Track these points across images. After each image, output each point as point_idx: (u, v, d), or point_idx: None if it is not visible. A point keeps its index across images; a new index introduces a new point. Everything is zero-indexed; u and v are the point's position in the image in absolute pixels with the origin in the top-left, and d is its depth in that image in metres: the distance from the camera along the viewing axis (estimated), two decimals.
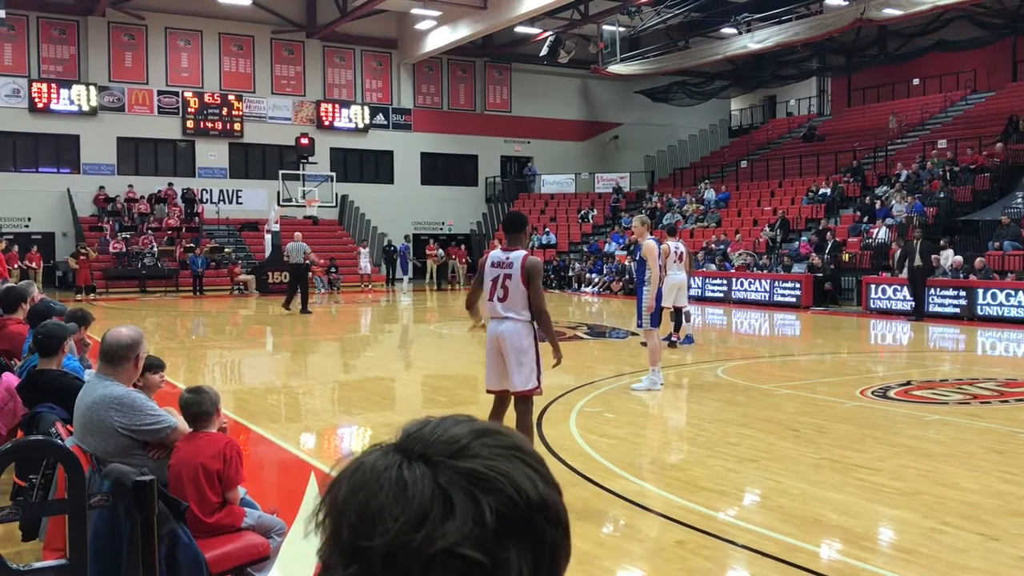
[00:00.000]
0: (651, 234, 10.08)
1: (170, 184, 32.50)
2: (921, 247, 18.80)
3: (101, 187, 31.43)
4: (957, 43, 29.27)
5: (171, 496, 3.51)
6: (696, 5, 29.97)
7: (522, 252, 5.92)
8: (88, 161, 31.72)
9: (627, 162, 39.42)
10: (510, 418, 6.00)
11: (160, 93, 32.67)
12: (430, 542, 0.78)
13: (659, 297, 9.91)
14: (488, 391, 6.21)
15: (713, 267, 26.09)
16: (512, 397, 6.01)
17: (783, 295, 22.98)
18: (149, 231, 30.56)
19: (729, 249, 26.80)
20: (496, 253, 6.03)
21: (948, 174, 25.61)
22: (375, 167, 36.83)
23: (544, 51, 32.30)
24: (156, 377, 4.78)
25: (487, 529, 0.79)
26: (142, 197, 31.84)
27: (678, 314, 14.04)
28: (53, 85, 30.86)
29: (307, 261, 21.12)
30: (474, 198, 38.32)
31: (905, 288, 19.52)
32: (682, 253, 13.58)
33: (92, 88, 31.34)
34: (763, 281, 23.77)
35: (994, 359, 14.25)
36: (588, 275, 30.29)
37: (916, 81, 35.60)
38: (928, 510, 5.51)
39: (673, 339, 14.05)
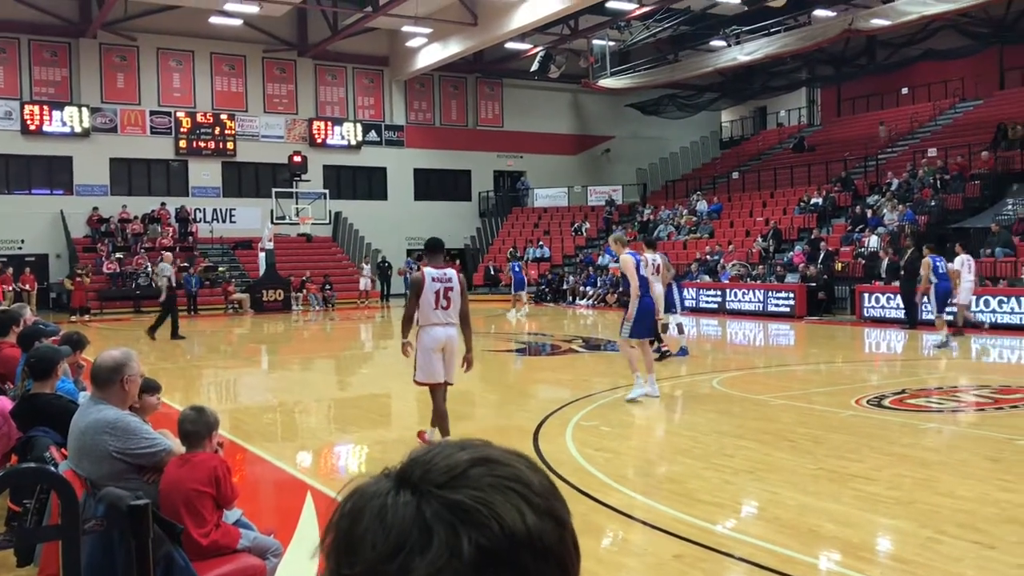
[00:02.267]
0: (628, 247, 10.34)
1: (163, 204, 32.50)
2: (910, 256, 18.86)
3: (95, 208, 31.41)
4: (945, 52, 29.46)
5: (167, 519, 3.50)
6: (685, 19, 30.16)
7: (452, 270, 7.19)
8: (81, 182, 31.71)
9: (619, 175, 39.54)
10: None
11: (152, 113, 32.71)
12: (404, 573, 0.77)
13: (648, 308, 10.00)
14: (435, 384, 7.34)
15: (707, 278, 26.14)
16: (444, 387, 7.35)
17: (777, 305, 23.02)
18: (143, 251, 30.52)
19: (722, 260, 26.87)
20: (431, 271, 7.14)
21: (939, 182, 25.73)
22: (368, 184, 36.89)
23: (535, 66, 32.45)
24: (153, 399, 4.78)
25: (463, 563, 0.76)
26: (135, 217, 31.82)
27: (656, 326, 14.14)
28: (45, 107, 30.88)
29: (172, 283, 19.71)
30: (467, 213, 38.38)
31: (898, 296, 19.57)
32: (658, 265, 13.69)
33: (84, 110, 31.36)
34: (757, 291, 23.82)
35: (988, 366, 14.28)
36: (582, 288, 30.32)
37: (905, 90, 35.82)
38: (924, 519, 5.51)
39: (664, 349, 14.10)
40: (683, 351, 14.50)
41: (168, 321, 19.44)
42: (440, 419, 7.42)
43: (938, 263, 15.45)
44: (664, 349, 14.07)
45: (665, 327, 14.78)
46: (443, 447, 0.86)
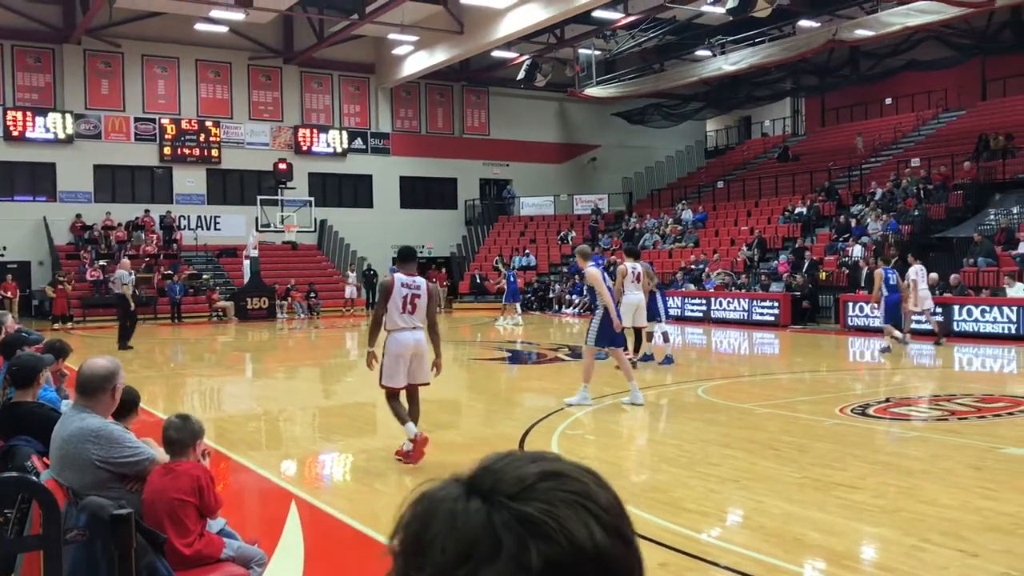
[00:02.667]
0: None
1: (147, 211, 32.35)
2: (893, 266, 18.98)
3: (78, 215, 31.23)
4: (928, 63, 29.70)
5: (150, 529, 3.48)
6: (671, 28, 30.32)
7: (422, 279, 7.57)
8: (64, 189, 31.53)
9: (605, 184, 39.64)
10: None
11: (137, 120, 32.58)
12: None
13: (608, 321, 10.16)
14: (398, 388, 7.53)
15: (692, 287, 26.22)
16: (412, 388, 7.61)
17: (761, 314, 23.11)
18: (126, 258, 30.32)
19: (707, 269, 26.96)
20: (401, 277, 7.46)
21: (922, 192, 25.92)
22: (354, 191, 36.83)
23: (521, 75, 32.52)
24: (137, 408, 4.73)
25: (530, 574, 0.78)
26: (119, 224, 31.66)
27: (637, 334, 14.19)
28: (28, 113, 30.70)
29: (129, 291, 19.25)
30: (453, 221, 38.38)
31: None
32: (639, 274, 13.80)
33: (68, 116, 31.21)
34: (741, 300, 23.91)
35: (971, 375, 14.37)
36: (568, 296, 30.35)
37: (888, 100, 36.09)
38: (908, 527, 5.53)
39: (633, 359, 14.16)
40: (668, 359, 14.55)
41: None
42: (400, 419, 7.58)
43: (889, 275, 15.99)
44: (632, 359, 14.13)
45: (650, 335, 14.87)
46: (514, 457, 0.87)
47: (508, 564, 0.78)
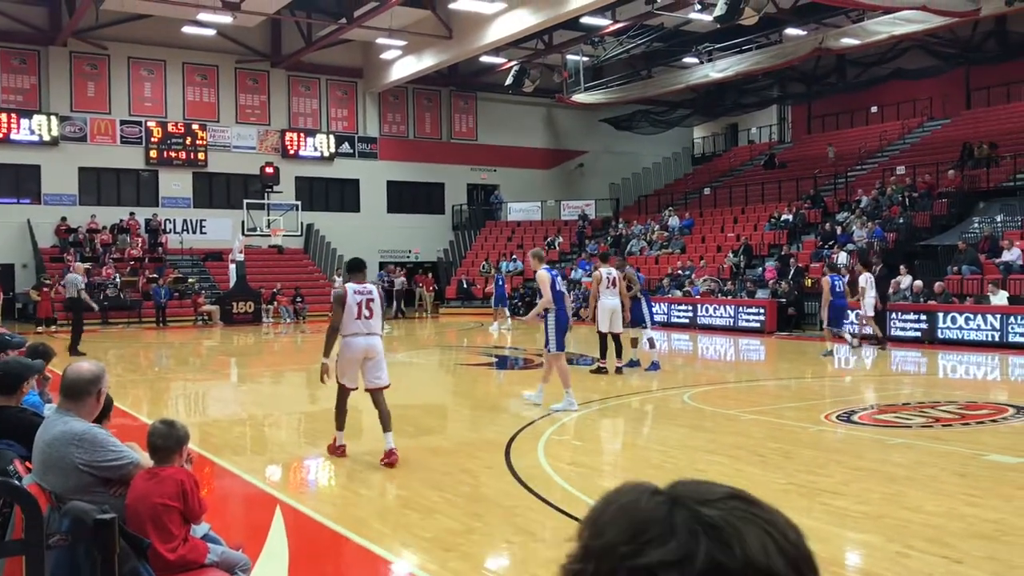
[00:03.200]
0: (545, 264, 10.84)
1: (132, 214, 32.19)
2: (878, 274, 19.14)
3: (63, 218, 31.04)
4: (913, 72, 29.95)
5: (133, 534, 3.45)
6: (658, 35, 30.44)
7: (372, 285, 7.97)
8: (49, 192, 31.34)
9: (592, 189, 39.70)
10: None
11: (123, 123, 32.43)
12: (634, 555, 0.82)
13: (563, 322, 10.39)
14: (352, 388, 7.94)
15: (678, 293, 26.27)
16: (375, 394, 7.95)
17: (747, 320, 23.18)
18: (111, 261, 30.19)
19: (693, 275, 27.02)
20: (353, 286, 7.85)
21: (907, 200, 26.07)
22: (341, 196, 36.76)
23: (509, 80, 32.55)
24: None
25: (694, 569, 0.80)
26: (104, 228, 31.49)
27: (616, 340, 14.26)
28: (13, 115, 30.51)
29: (81, 296, 19.00)
30: (441, 226, 38.36)
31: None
32: (615, 279, 13.85)
33: (53, 118, 31.03)
34: (727, 307, 23.97)
35: (955, 382, 14.45)
36: None
37: (874, 109, 36.32)
38: (893, 534, 5.55)
39: (602, 365, 14.18)
40: (654, 365, 14.56)
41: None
42: (385, 419, 7.93)
43: (835, 281, 16.77)
44: (602, 366, 14.19)
45: (635, 341, 14.89)
46: (707, 481, 0.91)
47: (676, 552, 0.80)
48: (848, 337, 17.59)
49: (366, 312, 7.76)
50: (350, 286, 7.86)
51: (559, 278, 10.67)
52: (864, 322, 18.20)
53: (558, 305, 10.34)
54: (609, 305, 13.83)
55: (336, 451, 8.17)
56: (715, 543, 0.81)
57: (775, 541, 0.83)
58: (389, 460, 7.72)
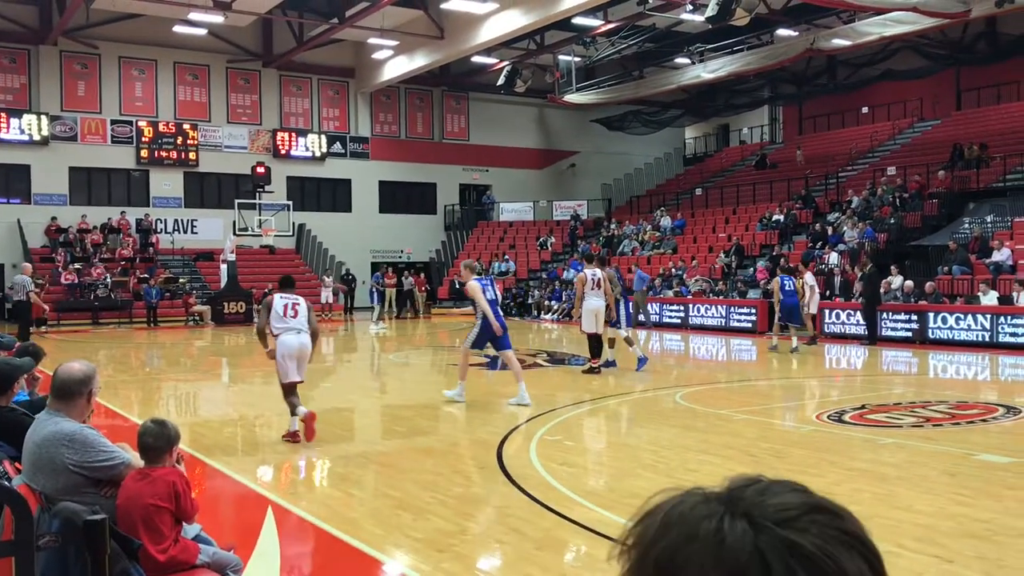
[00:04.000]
0: (478, 275, 11.72)
1: (123, 213, 32.08)
2: (868, 273, 19.20)
3: (53, 218, 30.93)
4: (903, 73, 30.05)
5: (124, 534, 3.44)
6: (650, 36, 30.48)
7: (300, 296, 9.17)
8: (39, 191, 31.22)
9: (584, 190, 39.74)
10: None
11: (114, 122, 32.32)
12: None
13: (490, 326, 10.93)
14: (292, 383, 8.84)
15: (670, 293, 26.31)
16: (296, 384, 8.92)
17: (739, 320, 23.23)
18: (100, 261, 30.08)
19: (685, 275, 27.07)
20: (280, 295, 9.09)
21: (898, 200, 26.15)
22: (332, 196, 36.72)
23: (501, 80, 32.56)
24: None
25: None
26: (95, 227, 31.38)
27: (598, 340, 14.23)
28: (3, 114, 30.38)
29: (30, 298, 18.68)
30: (433, 226, 38.35)
31: (858, 313, 19.91)
32: (599, 280, 13.87)
33: (43, 117, 30.91)
34: (719, 307, 24.02)
35: (946, 382, 14.50)
36: (547, 302, 30.38)
37: (865, 109, 36.42)
38: (884, 533, 5.57)
39: (594, 365, 14.18)
40: (641, 361, 14.50)
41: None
42: (292, 406, 8.91)
43: (785, 281, 17.76)
44: (594, 366, 14.19)
45: (613, 342, 14.83)
46: (766, 483, 0.83)
47: None
48: (807, 333, 18.44)
49: (291, 312, 8.91)
50: (277, 295, 9.08)
51: (489, 287, 11.40)
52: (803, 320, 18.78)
53: (491, 311, 10.98)
54: (593, 306, 13.88)
55: (308, 427, 8.80)
56: None
57: (867, 561, 0.79)
58: (293, 439, 8.82)
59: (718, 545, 0.76)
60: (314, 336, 9.06)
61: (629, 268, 28.26)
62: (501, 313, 11.36)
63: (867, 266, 19.49)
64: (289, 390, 8.93)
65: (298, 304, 9.01)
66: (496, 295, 11.45)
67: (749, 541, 0.76)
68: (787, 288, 17.74)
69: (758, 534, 0.76)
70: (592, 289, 13.89)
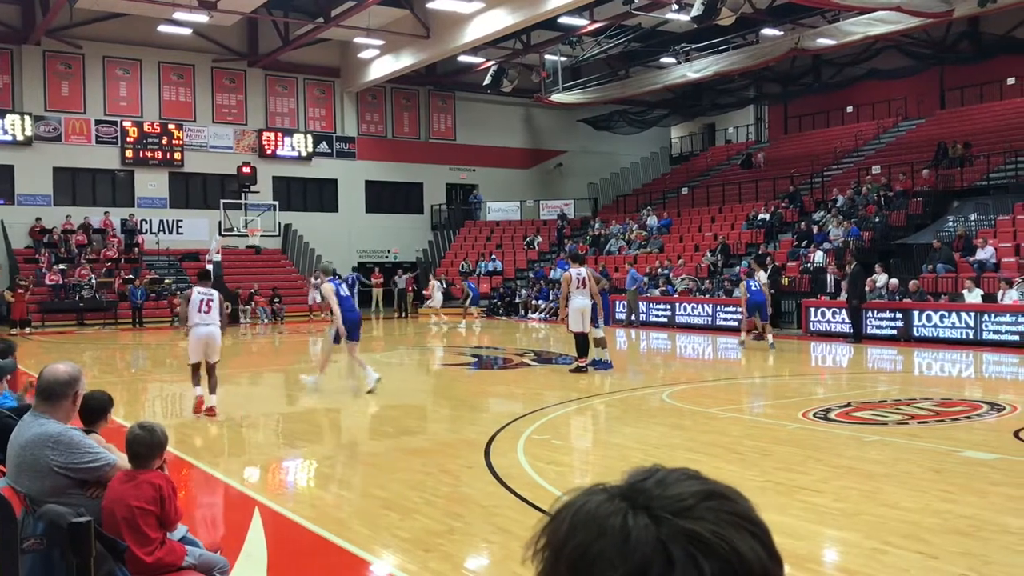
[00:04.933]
0: (337, 277, 13.51)
1: (106, 213, 31.89)
2: (853, 271, 19.31)
3: (38, 219, 30.73)
4: (888, 72, 30.22)
5: (109, 536, 3.42)
6: (636, 35, 30.53)
7: (215, 290, 10.76)
8: (23, 192, 31.00)
9: (571, 189, 39.77)
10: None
11: (98, 122, 32.13)
12: None
13: (354, 321, 12.64)
14: (197, 363, 10.65)
15: (657, 292, 26.37)
16: (208, 364, 10.58)
17: (725, 319, 23.29)
18: (85, 262, 29.91)
19: (672, 274, 27.13)
20: (199, 289, 10.63)
21: (882, 199, 26.29)
22: (319, 195, 36.61)
23: (488, 80, 32.55)
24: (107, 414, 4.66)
25: None
26: (79, 228, 31.19)
27: (585, 339, 14.14)
28: None
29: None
30: (420, 226, 38.30)
31: (843, 311, 20.00)
32: (584, 279, 13.89)
33: (27, 118, 30.71)
34: (706, 306, 24.08)
35: (930, 379, 14.59)
36: (534, 302, 30.39)
37: (850, 109, 36.59)
38: (870, 530, 5.60)
39: (581, 364, 14.07)
40: (605, 365, 14.43)
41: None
42: (212, 386, 10.61)
43: (751, 283, 18.69)
44: (581, 365, 14.08)
45: (603, 341, 14.74)
46: (662, 475, 0.88)
47: None
48: (743, 333, 19.13)
49: (205, 308, 10.42)
50: (196, 288, 10.54)
51: (343, 286, 12.89)
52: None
53: (345, 306, 12.48)
54: (579, 305, 13.89)
55: (201, 409, 10.49)
56: (714, 561, 0.80)
57: (758, 539, 0.84)
58: (209, 413, 10.43)
59: (624, 541, 0.81)
60: (223, 326, 10.73)
61: (615, 267, 28.35)
62: (356, 308, 13.05)
63: (851, 264, 19.62)
64: (195, 370, 10.75)
65: (211, 300, 10.50)
66: (351, 294, 13.28)
67: (652, 534, 0.81)
68: (752, 288, 18.60)
69: (659, 526, 0.81)
70: (577, 288, 13.91)
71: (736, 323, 22.89)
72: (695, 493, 0.85)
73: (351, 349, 12.73)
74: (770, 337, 18.43)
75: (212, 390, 10.55)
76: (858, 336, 19.13)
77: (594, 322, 14.59)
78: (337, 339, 12.54)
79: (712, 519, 0.82)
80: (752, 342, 18.91)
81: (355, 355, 12.80)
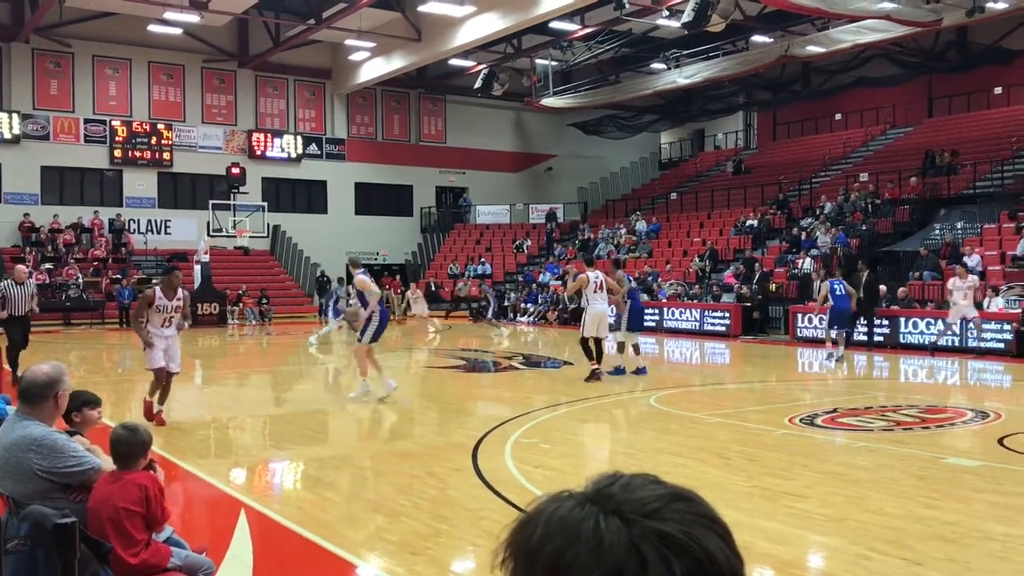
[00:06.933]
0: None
1: (96, 212, 31.76)
2: (866, 280, 19.10)
3: (26, 214, 30.57)
4: (876, 80, 30.41)
5: (94, 538, 3.41)
6: (626, 41, 30.63)
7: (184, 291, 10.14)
8: (10, 191, 30.84)
9: (561, 193, 39.83)
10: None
11: (87, 122, 32.00)
12: None
13: (385, 319, 11.67)
14: (159, 369, 9.87)
15: (645, 297, 26.40)
16: (170, 374, 9.99)
17: (713, 324, 23.37)
18: (73, 261, 29.77)
19: (660, 279, 27.19)
20: (160, 293, 9.84)
21: (870, 206, 26.42)
22: (308, 197, 36.55)
23: (478, 84, 32.57)
24: (93, 413, 4.65)
25: None
26: (67, 227, 31.05)
27: (598, 345, 13.64)
28: None
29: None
30: (409, 228, 38.27)
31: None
32: (601, 282, 13.55)
33: (15, 116, 30.56)
34: (693, 310, 24.15)
35: (916, 386, 14.65)
36: (523, 305, 30.40)
37: (838, 116, 36.78)
38: (855, 536, 5.63)
39: (596, 369, 13.72)
40: (621, 371, 14.30)
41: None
42: (163, 394, 10.03)
43: (836, 286, 16.88)
44: (595, 368, 13.60)
45: (622, 346, 14.51)
46: (626, 480, 0.91)
47: None
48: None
49: (171, 316, 9.91)
50: (159, 291, 9.81)
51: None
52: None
53: (380, 306, 11.49)
54: (598, 310, 13.29)
55: (154, 416, 9.81)
56: (684, 560, 0.82)
57: (722, 538, 0.87)
58: (158, 420, 9.82)
59: (598, 544, 0.83)
60: (180, 327, 10.25)
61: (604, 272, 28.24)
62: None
63: (865, 272, 19.19)
64: (160, 375, 9.97)
65: (180, 308, 9.99)
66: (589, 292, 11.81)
67: (624, 536, 0.83)
68: (838, 292, 16.58)
69: (630, 528, 0.84)
70: (595, 292, 13.36)
71: (724, 328, 23.00)
72: (661, 496, 0.87)
73: (369, 350, 11.80)
74: (841, 349, 16.67)
75: (163, 400, 10.14)
76: (870, 343, 18.84)
77: (618, 327, 14.27)
78: (376, 336, 11.57)
79: (680, 520, 0.85)
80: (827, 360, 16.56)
81: (362, 356, 11.83)
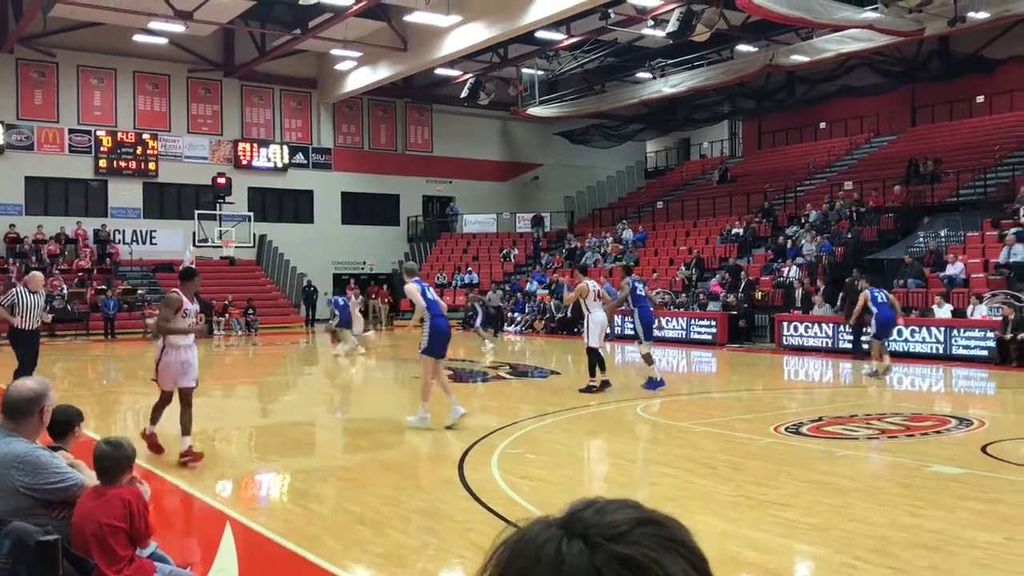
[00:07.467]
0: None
1: (79, 223, 31.59)
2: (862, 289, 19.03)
3: (12, 225, 30.39)
4: (860, 89, 30.63)
5: (77, 555, 3.39)
6: (612, 51, 30.75)
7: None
8: None
9: (548, 202, 39.90)
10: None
11: (71, 132, 31.88)
12: None
13: (442, 329, 10.33)
14: (170, 392, 8.67)
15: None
16: (181, 392, 8.63)
17: (699, 332, 23.43)
18: (58, 272, 29.60)
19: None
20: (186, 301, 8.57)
21: (854, 215, 26.57)
22: (295, 207, 36.49)
23: (465, 93, 32.62)
24: (78, 429, 4.62)
25: None
26: (51, 238, 30.88)
27: (599, 356, 13.41)
28: None
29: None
30: (396, 237, 38.25)
31: (816, 326, 20.13)
32: (599, 291, 13.57)
33: None
34: (680, 319, 24.21)
35: (901, 394, 14.72)
36: (510, 314, 30.40)
37: (823, 125, 37.00)
38: (840, 545, 5.65)
39: (592, 384, 13.43)
40: (661, 383, 13.82)
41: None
42: (186, 421, 8.67)
43: (876, 294, 15.77)
44: (592, 384, 13.31)
45: (649, 359, 14.27)
46: (600, 505, 0.91)
47: None
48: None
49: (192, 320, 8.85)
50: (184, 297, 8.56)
51: (429, 289, 10.65)
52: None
53: (434, 312, 10.36)
54: (601, 318, 13.15)
55: (150, 440, 8.90)
56: None
57: (690, 563, 0.87)
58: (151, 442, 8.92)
59: (558, 566, 0.84)
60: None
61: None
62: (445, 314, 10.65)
63: (860, 280, 19.11)
64: (167, 397, 8.81)
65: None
66: (436, 297, 10.75)
67: (586, 560, 0.83)
68: (880, 300, 15.58)
69: (593, 552, 0.84)
70: (594, 301, 13.21)
71: (710, 337, 23.05)
72: (630, 520, 0.88)
73: (437, 367, 10.50)
74: (887, 359, 15.66)
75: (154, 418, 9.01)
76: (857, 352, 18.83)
77: (643, 337, 13.93)
78: (435, 348, 10.28)
79: (646, 543, 0.85)
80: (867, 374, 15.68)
81: (427, 374, 10.42)
